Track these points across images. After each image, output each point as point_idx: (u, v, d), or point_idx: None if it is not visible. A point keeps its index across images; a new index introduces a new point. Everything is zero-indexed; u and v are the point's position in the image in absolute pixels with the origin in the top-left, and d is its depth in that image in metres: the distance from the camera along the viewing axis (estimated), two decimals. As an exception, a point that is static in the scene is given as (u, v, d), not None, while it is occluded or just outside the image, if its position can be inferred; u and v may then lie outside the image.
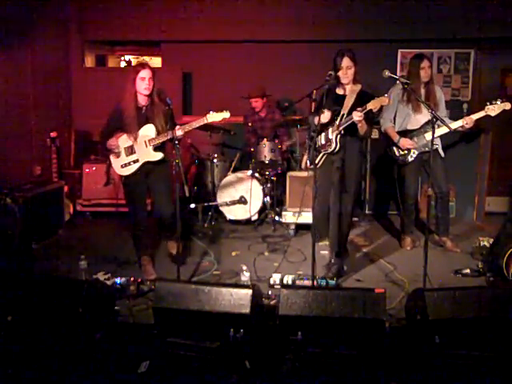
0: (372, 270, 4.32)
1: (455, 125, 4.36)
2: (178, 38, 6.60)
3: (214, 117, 3.92)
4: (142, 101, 3.95)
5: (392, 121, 4.68)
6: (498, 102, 4.23)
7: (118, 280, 3.81)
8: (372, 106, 3.57)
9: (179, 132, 3.87)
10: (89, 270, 3.89)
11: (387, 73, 3.68)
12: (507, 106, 4.24)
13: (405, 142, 4.57)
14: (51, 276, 3.77)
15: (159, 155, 3.99)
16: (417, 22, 6.19)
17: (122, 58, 7.88)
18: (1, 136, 5.29)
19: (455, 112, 5.79)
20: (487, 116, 4.30)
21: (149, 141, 3.95)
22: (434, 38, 6.22)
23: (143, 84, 3.86)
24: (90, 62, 7.12)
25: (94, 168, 5.91)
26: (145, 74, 3.85)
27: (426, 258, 3.51)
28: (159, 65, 7.02)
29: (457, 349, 2.82)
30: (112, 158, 4.07)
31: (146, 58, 7.90)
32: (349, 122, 3.75)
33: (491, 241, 4.34)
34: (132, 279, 3.83)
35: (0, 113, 5.37)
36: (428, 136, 4.45)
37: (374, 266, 4.41)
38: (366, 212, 6.08)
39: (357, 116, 3.60)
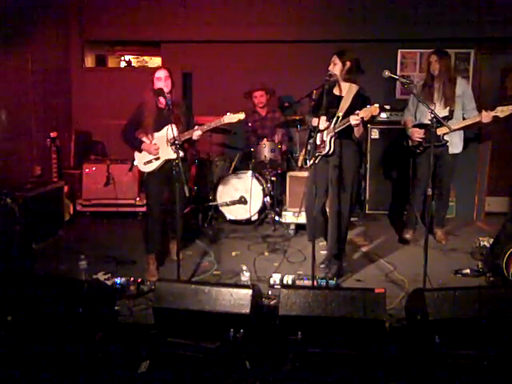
0: (372, 270, 4.32)
1: (459, 125, 4.47)
2: (177, 38, 6.59)
3: (230, 118, 3.99)
4: (163, 101, 3.98)
5: (413, 115, 4.85)
6: (510, 107, 4.26)
7: (118, 280, 3.81)
8: (363, 114, 3.59)
9: (198, 132, 3.98)
10: (89, 269, 3.90)
11: (387, 73, 3.70)
12: None
13: (414, 132, 4.70)
14: (51, 276, 3.77)
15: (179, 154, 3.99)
16: (417, 21, 6.19)
17: (122, 58, 7.88)
18: (1, 136, 5.28)
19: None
20: (495, 117, 4.34)
21: (169, 140, 3.98)
22: (434, 38, 6.22)
23: (160, 83, 3.93)
24: (90, 62, 7.11)
25: (93, 168, 5.91)
26: (161, 73, 3.96)
27: (426, 258, 3.51)
28: (159, 65, 7.02)
29: (457, 349, 2.82)
30: (136, 154, 4.21)
31: (146, 58, 7.91)
32: (344, 126, 3.76)
33: (491, 241, 4.34)
34: (132, 279, 3.82)
35: (0, 113, 5.36)
36: (438, 132, 4.50)
37: (374, 266, 4.41)
38: (366, 212, 6.08)
39: (354, 120, 3.62)
